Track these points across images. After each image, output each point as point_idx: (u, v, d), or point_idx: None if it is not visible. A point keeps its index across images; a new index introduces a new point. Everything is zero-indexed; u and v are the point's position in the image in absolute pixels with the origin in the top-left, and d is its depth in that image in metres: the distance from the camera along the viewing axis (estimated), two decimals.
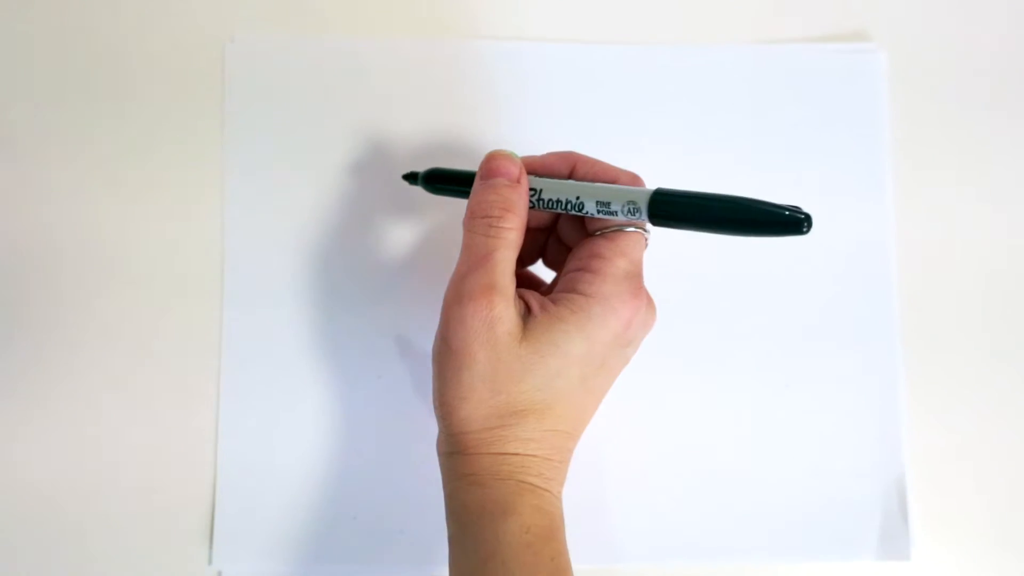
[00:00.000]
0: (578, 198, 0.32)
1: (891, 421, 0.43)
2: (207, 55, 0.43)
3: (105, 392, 0.40)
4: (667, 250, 0.38)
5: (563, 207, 0.33)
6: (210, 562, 0.40)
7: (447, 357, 0.32)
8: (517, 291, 0.33)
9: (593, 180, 0.33)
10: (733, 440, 0.42)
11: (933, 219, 0.44)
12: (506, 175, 0.33)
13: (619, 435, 0.42)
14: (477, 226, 0.33)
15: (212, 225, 0.42)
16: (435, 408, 0.33)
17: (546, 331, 0.31)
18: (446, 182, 0.38)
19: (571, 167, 0.34)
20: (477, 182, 0.34)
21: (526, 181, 0.33)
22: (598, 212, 0.32)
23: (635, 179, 0.33)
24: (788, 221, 0.28)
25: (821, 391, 0.43)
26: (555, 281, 0.36)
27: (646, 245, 0.34)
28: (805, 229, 0.28)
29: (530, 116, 0.44)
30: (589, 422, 0.35)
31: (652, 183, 0.41)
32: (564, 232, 0.36)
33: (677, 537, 0.41)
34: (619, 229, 0.32)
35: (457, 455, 0.33)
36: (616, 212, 0.31)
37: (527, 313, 0.32)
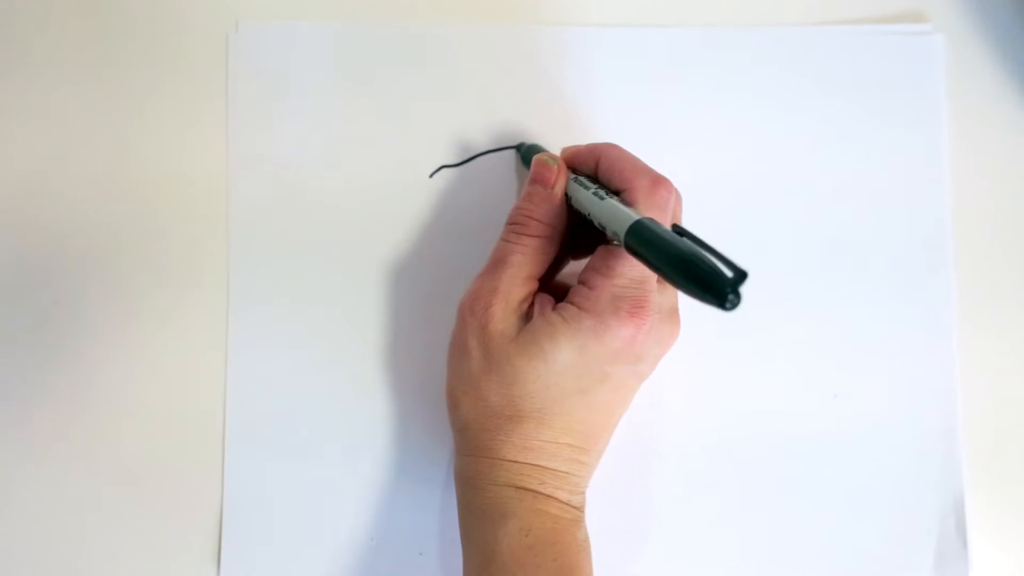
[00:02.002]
0: (589, 214, 0.33)
1: (950, 436, 0.40)
2: (211, 44, 0.41)
3: (111, 407, 0.39)
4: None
5: (586, 216, 0.33)
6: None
7: (452, 350, 0.34)
8: (537, 296, 0.34)
9: (609, 180, 0.33)
10: (778, 454, 0.40)
11: (993, 211, 0.42)
12: (543, 182, 0.35)
13: (655, 449, 0.40)
14: (505, 232, 0.35)
15: (217, 216, 0.40)
16: (446, 403, 0.35)
17: (534, 334, 0.32)
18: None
19: (596, 160, 0.34)
20: (524, 187, 0.35)
21: (561, 188, 0.35)
22: (601, 229, 0.32)
23: (655, 183, 0.32)
24: (711, 283, 0.26)
25: (873, 402, 0.40)
26: None
27: None
28: (728, 305, 0.25)
29: (555, 103, 0.41)
30: (605, 439, 0.34)
31: (702, 171, 0.41)
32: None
33: (720, 558, 0.39)
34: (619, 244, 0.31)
35: (461, 456, 0.34)
36: (612, 236, 0.31)
37: (527, 315, 0.33)
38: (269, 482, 0.38)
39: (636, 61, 0.42)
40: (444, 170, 0.40)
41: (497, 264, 0.34)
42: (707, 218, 0.40)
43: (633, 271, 0.32)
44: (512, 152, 0.40)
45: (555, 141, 0.39)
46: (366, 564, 0.38)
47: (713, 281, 0.26)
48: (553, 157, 0.35)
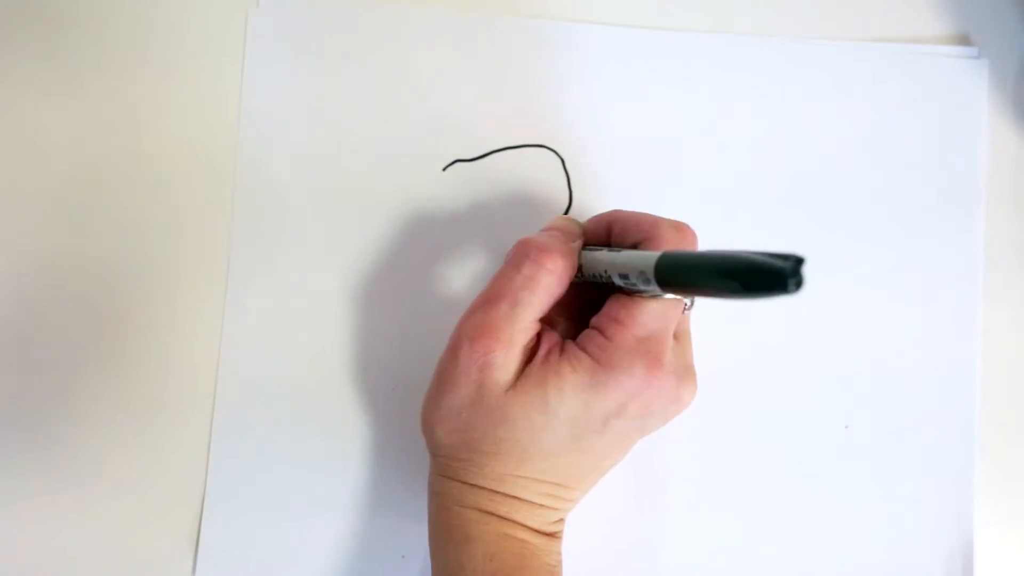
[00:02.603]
0: (606, 272, 0.31)
1: (964, 476, 0.39)
2: (230, 19, 0.40)
3: (93, 399, 0.38)
4: None
5: (602, 283, 0.31)
6: (193, 573, 0.37)
7: (436, 381, 0.32)
8: (543, 328, 0.32)
9: (624, 239, 0.32)
10: (781, 486, 0.39)
11: None
12: (565, 231, 0.33)
13: (654, 484, 0.38)
14: (513, 257, 0.31)
15: (222, 198, 0.39)
16: (420, 422, 0.33)
17: (537, 384, 0.30)
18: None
19: (608, 226, 0.33)
20: (539, 234, 0.33)
21: (579, 244, 0.33)
22: (623, 286, 0.30)
23: (679, 229, 0.31)
24: (769, 272, 0.24)
25: (885, 435, 0.39)
26: None
27: (683, 311, 0.32)
28: (792, 285, 0.23)
29: (575, 101, 0.40)
30: (593, 479, 0.33)
31: (722, 188, 0.39)
32: None
33: None
34: (639, 293, 0.30)
35: (433, 472, 0.33)
36: (636, 284, 0.29)
37: (532, 357, 0.31)
38: (251, 479, 0.37)
39: (671, 65, 0.40)
40: (458, 164, 0.39)
41: (503, 299, 0.31)
42: (735, 232, 0.39)
43: (654, 322, 0.30)
44: (529, 150, 0.39)
45: (586, 138, 0.38)
46: (348, 566, 0.37)
47: (769, 267, 0.24)
48: (575, 221, 0.34)
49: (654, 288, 0.28)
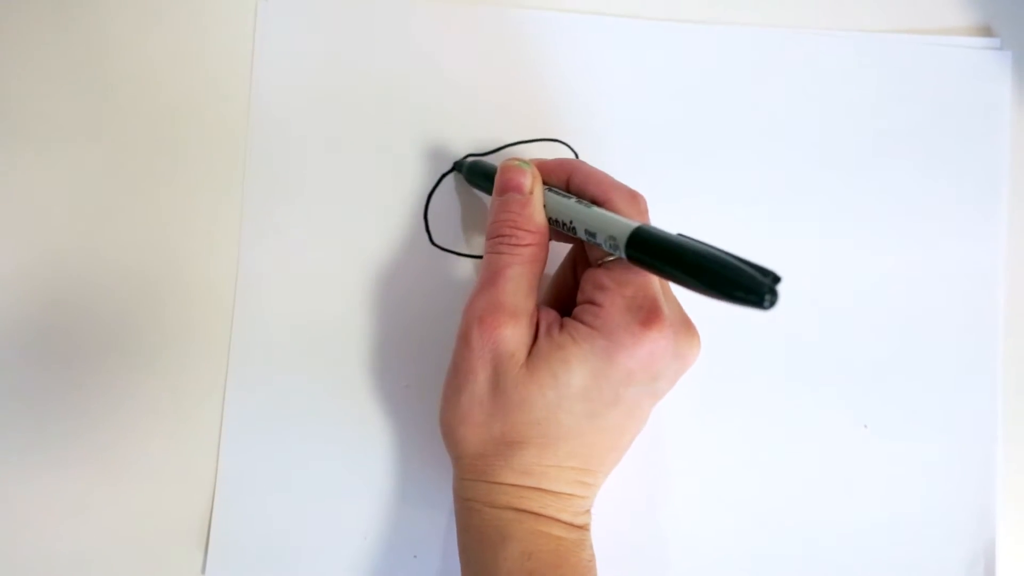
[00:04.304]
0: (571, 221, 0.31)
1: (986, 477, 0.38)
2: (238, 14, 0.39)
3: (104, 396, 0.38)
4: None
5: (560, 227, 0.32)
6: (203, 571, 0.37)
7: (451, 377, 0.32)
8: (541, 311, 0.32)
9: (584, 192, 0.32)
10: (797, 485, 0.38)
11: None
12: (516, 189, 0.32)
13: (669, 480, 0.38)
14: (491, 246, 0.32)
15: (231, 203, 0.39)
16: (440, 430, 0.33)
17: (545, 359, 0.30)
18: (480, 179, 0.36)
19: (567, 176, 0.33)
20: (493, 198, 0.33)
21: (539, 192, 0.33)
22: (586, 239, 0.31)
23: (633, 198, 0.32)
24: (748, 286, 0.24)
25: (905, 434, 0.38)
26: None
27: None
28: (767, 303, 0.24)
29: (587, 94, 0.39)
30: (614, 459, 0.33)
31: (740, 180, 0.39)
32: (584, 251, 0.34)
33: None
34: (620, 258, 0.29)
35: (457, 477, 0.33)
36: (600, 244, 0.30)
37: (534, 337, 0.31)
38: (262, 477, 0.37)
39: (686, 57, 0.40)
40: (471, 159, 0.38)
41: (494, 278, 0.31)
42: (752, 226, 0.39)
43: (636, 279, 0.30)
44: (542, 145, 0.38)
45: (599, 132, 0.37)
46: (359, 565, 0.37)
47: (750, 278, 0.24)
48: (523, 161, 0.33)
49: (618, 254, 0.28)
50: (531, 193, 0.32)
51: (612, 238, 0.28)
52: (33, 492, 0.37)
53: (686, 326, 0.31)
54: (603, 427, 0.31)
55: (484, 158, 0.38)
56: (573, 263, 0.35)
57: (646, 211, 0.32)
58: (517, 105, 0.39)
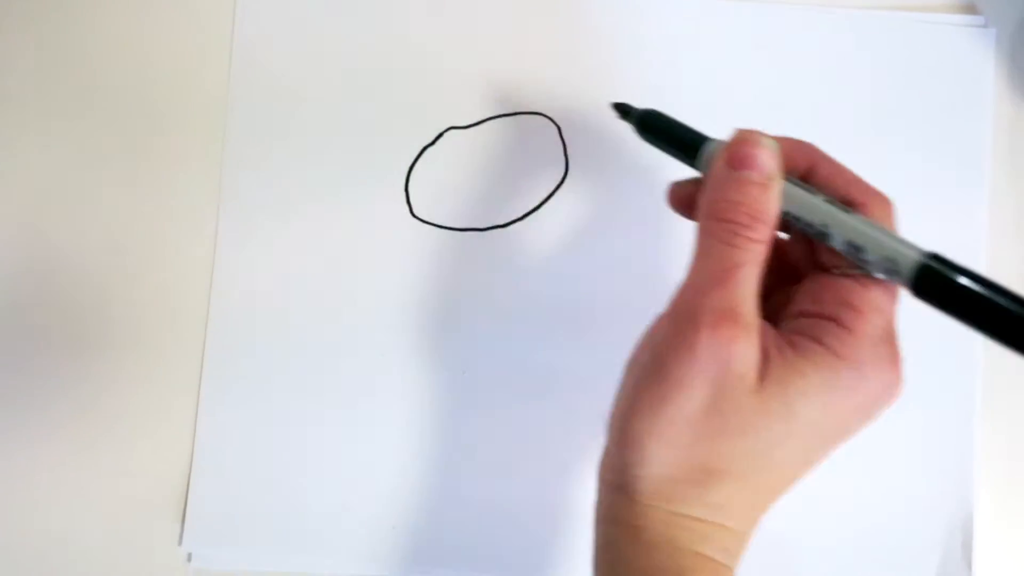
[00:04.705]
0: (825, 226, 0.26)
1: (964, 449, 0.38)
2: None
3: (78, 370, 0.37)
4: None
5: (803, 226, 0.26)
6: (180, 543, 0.37)
7: (654, 379, 0.26)
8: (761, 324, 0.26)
9: (834, 192, 0.27)
10: None
11: None
12: (759, 170, 0.26)
13: None
14: (718, 230, 0.26)
15: (209, 187, 0.38)
16: (610, 426, 0.27)
17: (781, 386, 0.25)
18: (665, 137, 0.31)
19: (809, 164, 0.28)
20: (720, 168, 0.27)
21: (781, 180, 0.27)
22: (846, 253, 0.26)
23: (887, 205, 0.27)
24: None
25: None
26: (777, 303, 0.28)
27: None
28: None
29: (571, 66, 0.39)
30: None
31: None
32: (793, 245, 0.29)
33: None
34: (866, 273, 0.26)
35: (626, 494, 0.26)
36: (868, 263, 0.25)
37: (762, 355, 0.25)
38: (239, 449, 0.37)
39: (670, 29, 0.39)
40: (452, 131, 0.38)
41: (727, 276, 0.25)
42: None
43: (891, 307, 0.26)
44: (525, 118, 0.38)
45: (583, 105, 0.37)
46: (337, 536, 0.37)
47: None
48: (771, 140, 0.27)
49: (892, 280, 0.25)
50: (771, 179, 0.26)
51: (891, 261, 0.24)
52: (7, 468, 0.37)
53: (902, 364, 0.27)
54: (806, 461, 0.26)
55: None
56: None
57: (896, 222, 0.27)
58: (498, 78, 0.39)
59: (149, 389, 0.37)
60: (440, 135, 0.38)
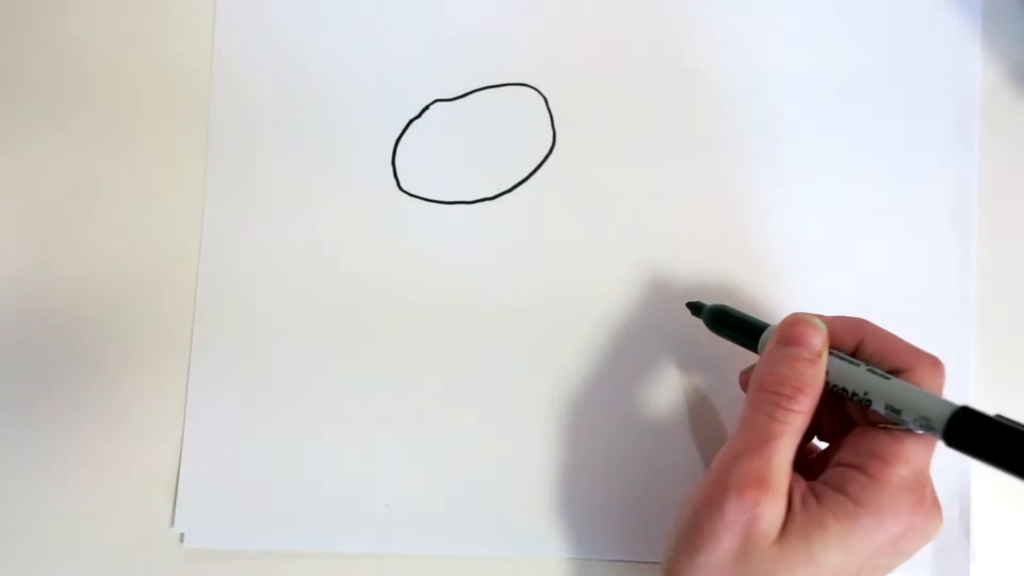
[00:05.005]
0: (866, 393, 0.29)
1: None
2: None
3: (67, 355, 0.37)
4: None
5: (849, 396, 0.30)
6: (172, 524, 0.36)
7: (692, 532, 0.30)
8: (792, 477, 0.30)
9: (882, 360, 0.30)
10: None
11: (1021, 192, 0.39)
12: (807, 346, 0.30)
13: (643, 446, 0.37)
14: (762, 402, 0.30)
15: (194, 169, 0.38)
16: (662, 568, 0.31)
17: (803, 537, 0.28)
18: (732, 327, 0.34)
19: (858, 339, 0.31)
20: (772, 346, 0.31)
21: (826, 356, 0.30)
22: (886, 414, 0.29)
23: (936, 367, 0.30)
24: None
25: None
26: (826, 455, 0.32)
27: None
28: None
29: (555, 36, 0.39)
30: None
31: (706, 121, 0.38)
32: (849, 405, 0.32)
33: None
34: (907, 429, 0.29)
35: None
36: (906, 423, 0.28)
37: (788, 506, 0.29)
38: (229, 429, 0.37)
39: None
40: (438, 104, 0.38)
41: (762, 445, 0.29)
42: (719, 168, 0.38)
43: (919, 458, 0.29)
44: (511, 89, 0.38)
45: (569, 74, 0.37)
46: (330, 515, 0.36)
47: None
48: (818, 321, 0.31)
49: (931, 434, 0.28)
50: (819, 356, 0.30)
51: (925, 418, 0.27)
52: None
53: (936, 505, 0.30)
54: None
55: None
56: (819, 406, 0.32)
57: (944, 378, 0.30)
58: (483, 48, 0.38)
59: (137, 372, 0.37)
60: (426, 108, 0.38)
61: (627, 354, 0.37)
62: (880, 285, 0.38)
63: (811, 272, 0.38)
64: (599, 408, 0.37)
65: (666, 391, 0.37)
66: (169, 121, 0.38)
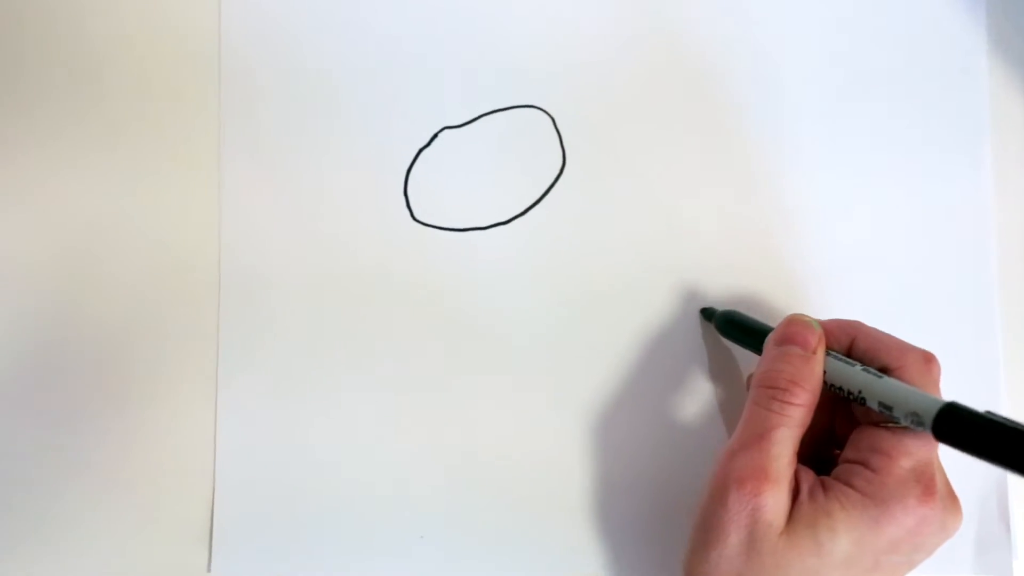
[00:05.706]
0: (860, 392, 0.30)
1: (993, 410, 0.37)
2: None
3: (98, 391, 0.37)
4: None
5: (845, 395, 0.31)
6: (208, 570, 0.36)
7: (699, 528, 0.31)
8: (799, 469, 0.31)
9: (873, 358, 0.31)
10: None
11: None
12: (802, 344, 0.31)
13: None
14: (761, 397, 0.31)
15: (209, 194, 0.38)
16: (683, 566, 0.32)
17: (809, 526, 0.29)
18: (741, 331, 0.35)
19: (851, 338, 0.32)
20: (770, 347, 0.32)
21: (823, 353, 0.32)
22: (880, 411, 0.30)
23: (928, 362, 0.31)
24: None
25: None
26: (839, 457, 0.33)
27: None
28: None
29: (561, 56, 0.39)
30: None
31: (720, 126, 0.38)
32: (853, 407, 0.33)
33: None
34: (893, 422, 0.30)
35: None
36: (899, 419, 0.29)
37: (795, 498, 0.30)
38: (260, 467, 0.36)
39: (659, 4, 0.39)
40: (446, 131, 0.38)
41: (760, 438, 0.30)
42: (734, 168, 0.38)
43: (921, 450, 0.29)
44: (519, 111, 0.38)
45: (577, 94, 0.37)
46: (366, 548, 0.36)
47: None
48: (812, 321, 0.32)
49: (920, 429, 0.28)
50: (814, 353, 0.31)
51: (915, 415, 0.28)
52: (31, 501, 0.37)
53: (952, 499, 0.30)
54: None
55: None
56: (830, 409, 0.34)
57: (939, 376, 0.31)
58: (489, 73, 0.39)
59: (165, 418, 0.37)
60: (435, 136, 0.38)
61: (650, 369, 0.37)
62: (898, 286, 0.38)
63: (829, 276, 0.38)
64: (627, 422, 0.37)
65: (690, 402, 0.37)
66: (184, 148, 0.38)
